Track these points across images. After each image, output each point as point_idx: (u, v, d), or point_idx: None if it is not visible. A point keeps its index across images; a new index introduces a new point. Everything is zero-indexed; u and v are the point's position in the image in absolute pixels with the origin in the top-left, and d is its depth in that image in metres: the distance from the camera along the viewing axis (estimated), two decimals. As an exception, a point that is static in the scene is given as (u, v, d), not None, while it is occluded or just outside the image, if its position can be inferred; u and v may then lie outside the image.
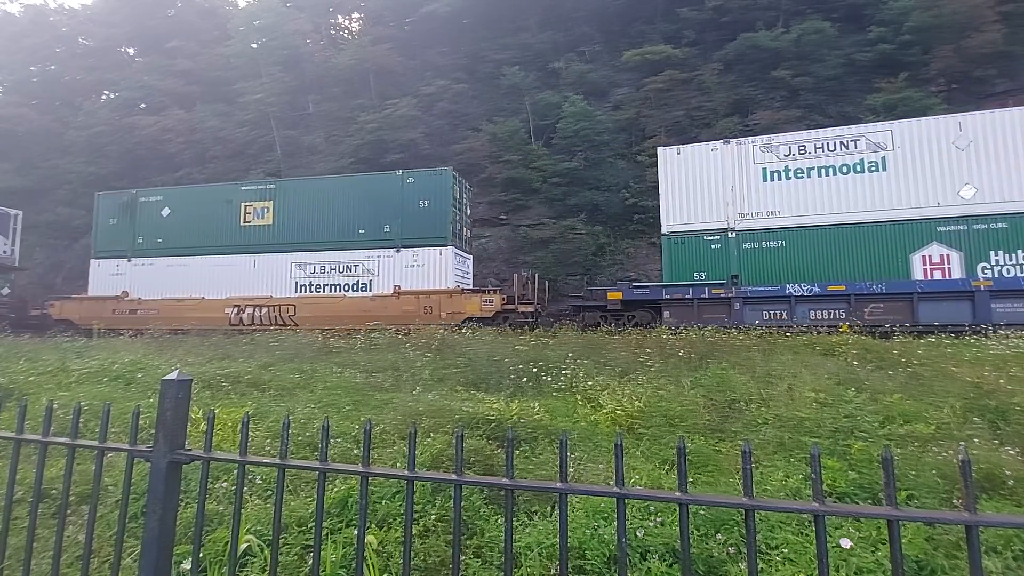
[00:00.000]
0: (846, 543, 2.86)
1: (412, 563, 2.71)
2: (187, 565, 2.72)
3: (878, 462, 3.89)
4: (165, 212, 18.49)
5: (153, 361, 8.84)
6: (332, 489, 3.55)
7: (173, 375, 1.72)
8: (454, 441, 1.52)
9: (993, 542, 2.99)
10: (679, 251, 14.92)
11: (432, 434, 4.60)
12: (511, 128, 25.87)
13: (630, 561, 2.89)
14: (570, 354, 8.25)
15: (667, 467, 4.40)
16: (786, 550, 2.97)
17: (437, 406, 5.40)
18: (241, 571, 2.89)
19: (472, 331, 11.49)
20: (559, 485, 1.40)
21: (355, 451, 4.63)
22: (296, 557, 3.05)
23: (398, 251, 16.36)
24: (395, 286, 16.14)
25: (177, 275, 17.85)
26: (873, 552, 2.87)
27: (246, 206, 17.75)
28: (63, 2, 44.53)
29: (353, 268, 16.60)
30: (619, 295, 14.86)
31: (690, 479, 4.02)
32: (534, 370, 7.53)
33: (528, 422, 5.12)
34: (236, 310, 16.88)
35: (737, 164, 14.60)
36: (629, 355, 8.54)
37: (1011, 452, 4.29)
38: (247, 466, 1.86)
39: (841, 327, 12.27)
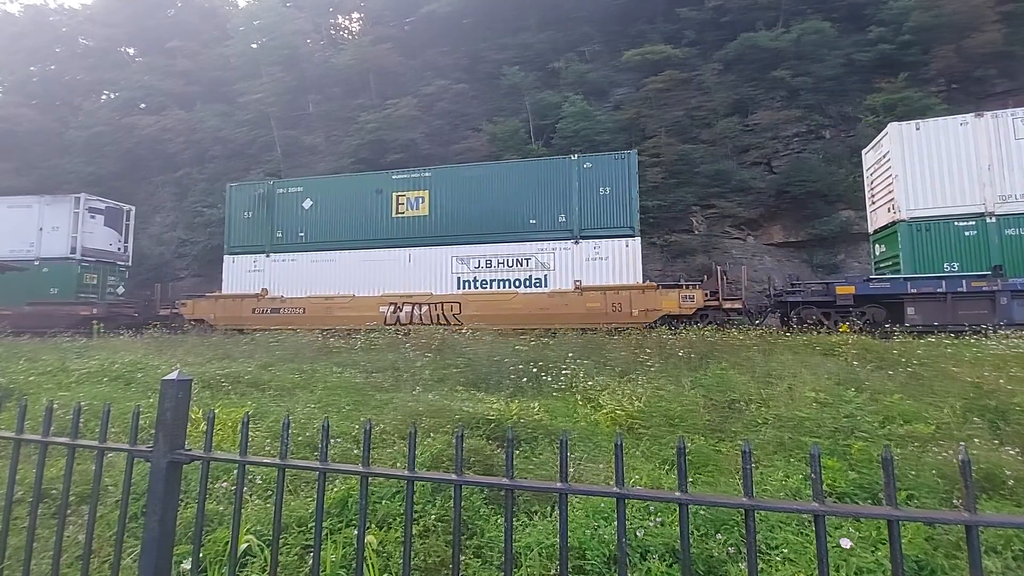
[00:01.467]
0: (846, 543, 2.86)
1: (412, 563, 2.71)
2: (187, 565, 2.72)
3: (878, 462, 3.90)
4: (307, 204, 17.33)
5: (153, 361, 8.84)
6: (332, 489, 3.55)
7: (173, 375, 1.72)
8: (454, 441, 1.52)
9: (993, 542, 2.99)
10: (923, 239, 13.05)
11: (432, 434, 4.60)
12: (511, 128, 25.87)
13: (630, 561, 2.89)
14: (570, 354, 8.25)
15: (667, 467, 4.40)
16: (786, 550, 2.97)
17: (437, 406, 5.40)
18: (241, 571, 2.89)
19: (472, 331, 11.48)
20: (559, 485, 1.40)
21: (355, 451, 4.63)
22: (296, 557, 3.05)
23: (576, 243, 14.93)
24: (575, 281, 14.71)
25: (322, 271, 16.65)
26: (873, 552, 2.87)
27: (398, 196, 16.46)
28: (63, 2, 44.58)
29: (524, 262, 15.20)
30: (851, 289, 13.22)
31: (690, 479, 4.03)
32: (534, 370, 7.54)
33: (528, 422, 5.12)
34: (392, 308, 15.69)
35: (994, 140, 12.87)
36: (629, 355, 8.55)
37: (1011, 452, 4.29)
38: (247, 466, 1.86)
39: (841, 327, 12.23)
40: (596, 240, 14.87)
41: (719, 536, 3.11)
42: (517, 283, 15.27)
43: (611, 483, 1.53)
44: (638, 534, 3.04)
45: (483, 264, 15.53)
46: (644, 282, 14.54)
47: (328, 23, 38.33)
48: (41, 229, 19.64)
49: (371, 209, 16.64)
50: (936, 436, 4.68)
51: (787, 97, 24.20)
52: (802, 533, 3.12)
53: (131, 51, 41.21)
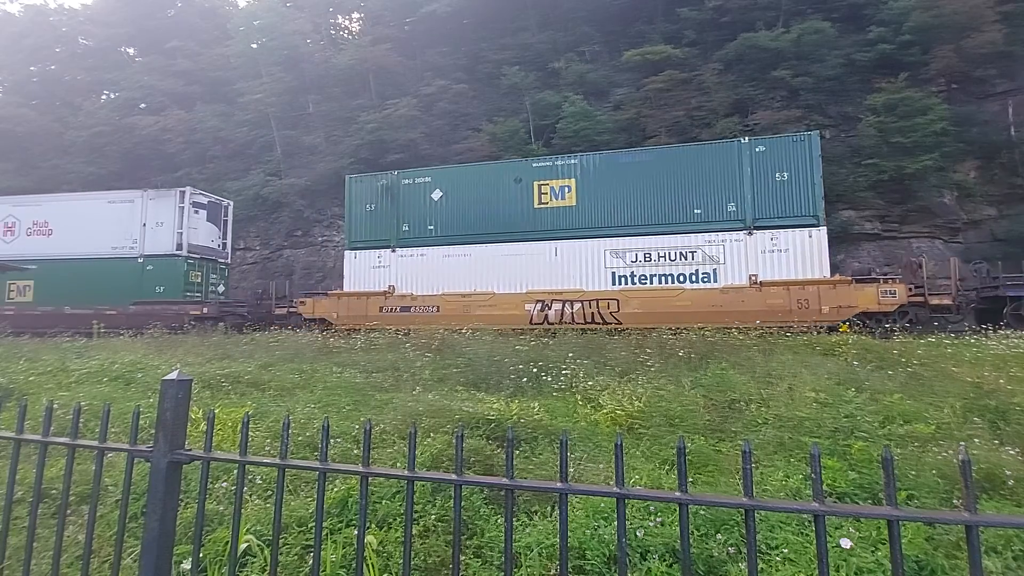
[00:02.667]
0: (846, 543, 2.86)
1: (412, 563, 2.71)
2: (187, 565, 2.72)
3: (878, 462, 3.90)
4: (436, 195, 16.21)
5: (153, 361, 8.84)
6: (332, 489, 3.55)
7: (173, 375, 1.72)
8: (454, 441, 1.52)
9: (993, 542, 2.99)
10: None
11: (432, 434, 4.60)
12: (511, 128, 25.87)
13: (630, 561, 2.89)
14: (570, 354, 8.26)
15: (667, 467, 4.40)
16: (786, 550, 2.97)
17: (437, 406, 5.40)
18: (241, 571, 2.89)
19: (471, 331, 11.48)
20: (559, 485, 1.40)
21: (355, 451, 4.63)
22: (296, 557, 3.05)
23: (750, 233, 13.64)
24: (751, 275, 13.48)
25: (456, 266, 15.57)
26: (873, 552, 2.87)
27: (540, 185, 15.28)
28: (63, 2, 44.54)
29: (690, 255, 13.95)
30: None
31: (690, 479, 4.03)
32: (534, 370, 7.54)
33: (528, 422, 5.12)
34: (539, 306, 14.62)
35: None
36: (629, 355, 8.55)
37: (1011, 452, 4.29)
38: (247, 466, 1.86)
39: (841, 327, 12.23)
40: (773, 231, 13.53)
41: (719, 536, 3.11)
42: (682, 278, 14.00)
43: (611, 483, 1.53)
44: (638, 534, 3.04)
45: (642, 258, 14.29)
46: (833, 276, 13.10)
47: (328, 23, 38.33)
48: (144, 225, 18.62)
49: (510, 199, 15.50)
50: (936, 436, 4.68)
51: (787, 97, 24.20)
52: (802, 533, 3.11)
53: (131, 51, 41.23)
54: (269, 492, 3.77)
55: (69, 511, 3.12)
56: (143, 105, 34.83)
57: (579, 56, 29.26)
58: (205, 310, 17.41)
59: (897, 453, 4.18)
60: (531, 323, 14.33)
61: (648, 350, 8.66)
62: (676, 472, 1.72)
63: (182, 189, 19.05)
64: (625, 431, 5.31)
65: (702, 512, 3.23)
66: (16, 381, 7.04)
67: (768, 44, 24.34)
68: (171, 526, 1.68)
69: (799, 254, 13.34)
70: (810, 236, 13.31)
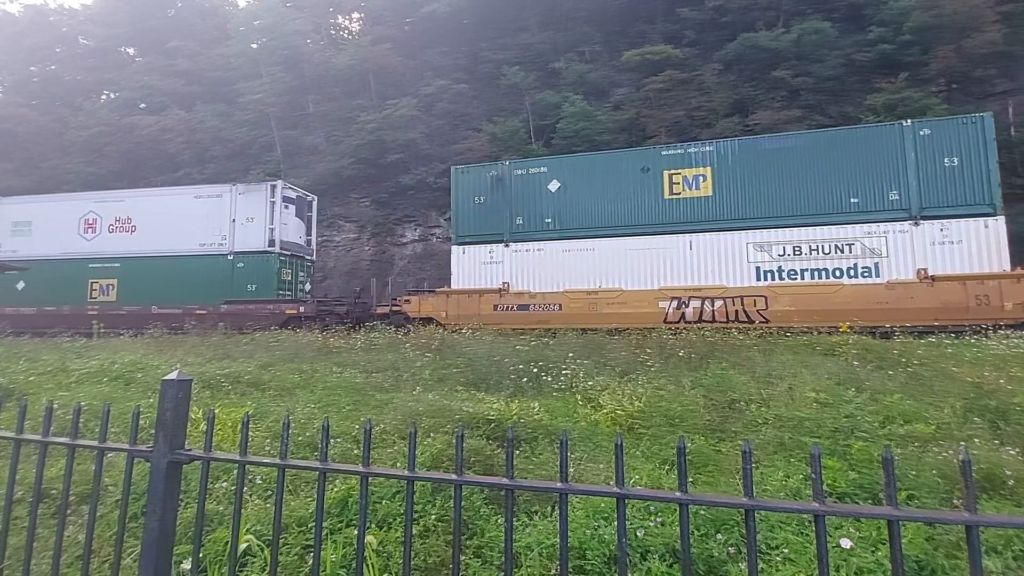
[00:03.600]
0: (846, 543, 2.86)
1: (412, 563, 2.71)
2: (187, 565, 2.72)
3: (878, 462, 3.90)
4: (553, 186, 15.28)
5: (153, 361, 8.84)
6: (332, 489, 3.55)
7: (173, 375, 1.72)
8: (454, 441, 1.52)
9: (993, 542, 2.99)
10: None
11: (432, 434, 4.60)
12: (511, 128, 25.87)
13: (630, 561, 2.89)
14: (570, 354, 8.26)
15: (667, 467, 4.40)
16: (786, 550, 2.97)
17: (437, 406, 5.40)
18: (241, 571, 2.89)
19: (472, 331, 11.48)
20: (559, 485, 1.40)
21: (355, 451, 4.63)
22: (296, 557, 3.05)
23: (916, 224, 12.63)
24: (919, 269, 12.47)
25: (578, 262, 14.70)
26: (873, 552, 2.87)
27: (671, 174, 14.32)
28: (63, 2, 44.60)
29: (847, 247, 12.92)
30: None
31: (690, 479, 4.03)
32: (534, 370, 7.54)
33: (528, 422, 5.12)
34: (675, 303, 13.74)
35: None
36: (629, 355, 8.55)
37: (1011, 452, 4.29)
38: (247, 466, 1.86)
39: (841, 327, 12.21)
40: (942, 220, 12.49)
41: (719, 536, 3.11)
42: (838, 272, 12.97)
43: (611, 483, 1.53)
44: (638, 534, 3.04)
45: (790, 251, 13.30)
46: (1014, 269, 12.01)
47: (328, 23, 38.34)
48: (234, 220, 17.72)
49: (637, 190, 14.56)
50: (936, 436, 4.68)
51: (787, 97, 24.20)
52: (802, 533, 3.11)
53: (131, 51, 41.24)
54: (269, 492, 3.77)
55: (69, 511, 3.12)
56: (143, 105, 34.83)
57: (579, 56, 29.26)
58: (302, 309, 16.59)
59: (897, 453, 4.18)
60: (665, 321, 13.42)
61: (648, 350, 8.66)
62: (676, 472, 1.72)
63: (273, 183, 18.19)
64: (625, 431, 5.31)
65: (702, 512, 3.23)
66: (16, 381, 7.04)
67: (768, 44, 24.34)
68: (171, 526, 1.68)
69: (973, 245, 12.25)
70: (986, 226, 12.25)
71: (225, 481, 3.80)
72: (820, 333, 10.55)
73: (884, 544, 2.89)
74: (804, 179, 13.54)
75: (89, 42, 40.09)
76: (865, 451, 4.26)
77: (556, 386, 7.08)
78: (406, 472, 1.53)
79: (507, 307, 14.93)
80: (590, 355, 8.52)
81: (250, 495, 3.72)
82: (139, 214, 18.53)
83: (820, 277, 13.15)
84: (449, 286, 15.98)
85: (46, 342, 12.77)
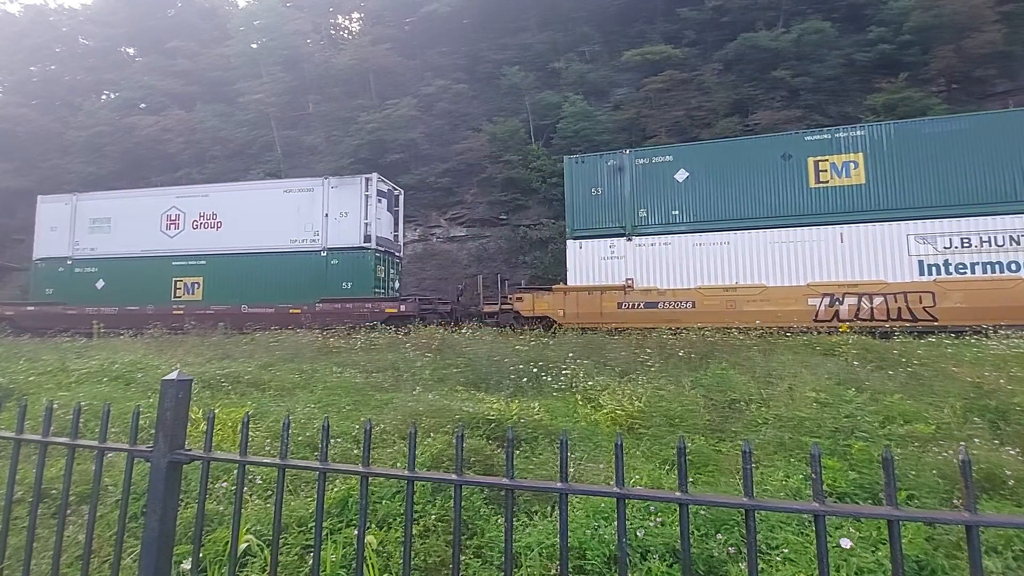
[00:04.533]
0: (846, 543, 2.86)
1: (412, 563, 2.71)
2: (187, 565, 2.72)
3: (878, 462, 3.90)
4: (681, 176, 14.39)
5: (153, 361, 8.84)
6: (332, 489, 3.55)
7: (173, 375, 1.72)
8: (454, 441, 1.52)
9: (993, 542, 2.99)
10: None
11: (432, 434, 4.60)
12: (511, 128, 25.87)
13: (630, 561, 2.89)
14: (570, 354, 8.26)
15: (667, 467, 4.40)
16: (786, 550, 2.97)
17: (437, 406, 5.41)
18: (241, 571, 2.89)
19: (472, 331, 11.48)
20: (559, 485, 1.40)
21: (355, 451, 4.63)
22: (296, 557, 3.05)
23: None
24: None
25: (712, 256, 13.86)
26: (873, 552, 2.87)
27: (816, 161, 13.39)
28: (63, 2, 44.62)
29: (1023, 239, 11.96)
30: None
31: (690, 479, 4.02)
32: (534, 370, 7.54)
33: (528, 422, 5.12)
34: (826, 300, 12.82)
35: None
36: (629, 355, 8.55)
37: (1011, 452, 4.29)
38: (247, 466, 1.86)
39: (841, 327, 12.20)
40: None
41: (719, 536, 3.11)
42: (1014, 266, 11.95)
43: (611, 483, 1.53)
44: (638, 534, 3.04)
45: (958, 244, 12.29)
46: None
47: (328, 23, 38.33)
48: (327, 215, 16.91)
49: (776, 179, 13.65)
50: (936, 436, 4.68)
51: (787, 97, 24.20)
52: (802, 533, 3.11)
53: (131, 51, 41.24)
54: (269, 492, 3.77)
55: (69, 511, 3.12)
56: (143, 105, 34.82)
57: (579, 56, 29.26)
58: (403, 308, 15.76)
59: (897, 453, 4.18)
60: (815, 319, 12.64)
61: (648, 350, 8.66)
62: (676, 472, 1.72)
63: (367, 176, 17.35)
64: (625, 431, 5.31)
65: (702, 512, 3.23)
66: (16, 381, 7.03)
67: (768, 44, 24.34)
68: (171, 526, 1.67)
69: None
70: None
71: (225, 481, 3.80)
72: (820, 333, 10.55)
73: (884, 544, 2.89)
74: (972, 165, 12.46)
75: (89, 42, 40.08)
76: (865, 451, 4.26)
77: (556, 386, 7.08)
78: (406, 472, 1.53)
79: (632, 305, 14.07)
80: (590, 355, 8.52)
81: (250, 495, 3.72)
82: (225, 210, 17.80)
83: (995, 271, 12.06)
84: (565, 282, 15.12)
85: (46, 342, 12.77)
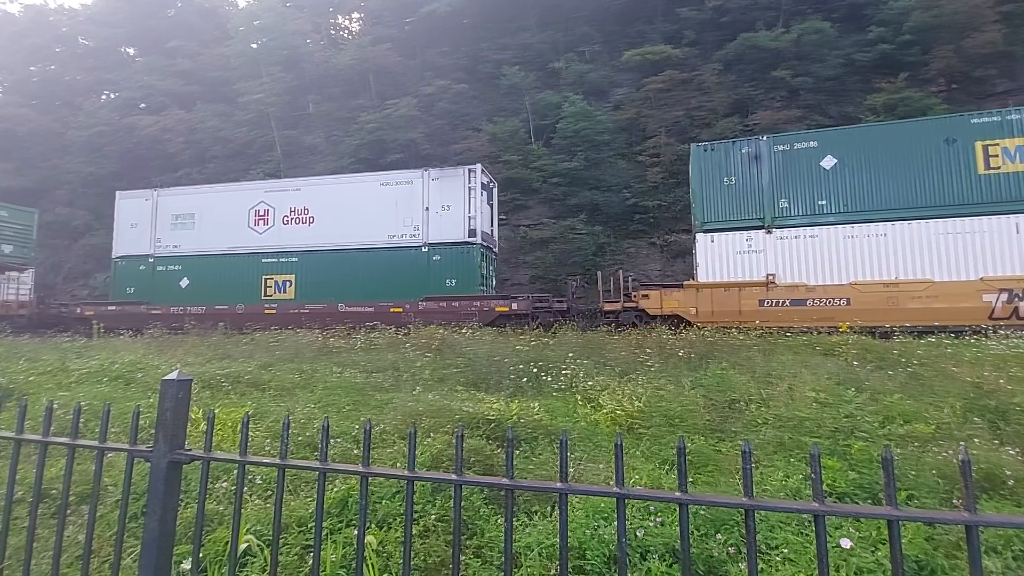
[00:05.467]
0: (846, 543, 2.86)
1: (412, 563, 2.71)
2: (187, 565, 2.72)
3: (878, 462, 3.90)
4: (828, 163, 13.36)
5: (153, 361, 8.84)
6: (332, 489, 3.55)
7: (173, 375, 1.72)
8: (454, 441, 1.52)
9: (993, 542, 2.99)
10: None
11: (432, 434, 4.60)
12: (511, 128, 25.87)
13: (630, 561, 2.89)
14: (570, 354, 8.26)
15: (667, 467, 4.40)
16: (786, 550, 2.97)
17: (437, 406, 5.40)
18: (241, 571, 2.89)
19: (472, 331, 11.47)
20: (559, 485, 1.40)
21: (355, 451, 4.63)
22: (296, 557, 3.05)
23: None
24: None
25: (865, 249, 12.83)
26: (873, 552, 2.87)
27: (986, 145, 12.36)
28: (63, 2, 44.65)
29: None
30: None
31: (690, 479, 4.03)
32: (534, 370, 7.54)
33: (528, 422, 5.12)
34: (1003, 296, 11.88)
35: None
36: (629, 355, 8.55)
37: (1011, 452, 4.29)
38: (247, 466, 1.86)
39: (841, 327, 12.19)
40: None
41: (719, 536, 3.11)
42: None
43: (611, 483, 1.53)
44: (638, 534, 3.04)
45: None
46: None
47: (328, 23, 38.34)
48: (427, 209, 16.04)
49: (939, 165, 12.66)
50: (936, 436, 4.68)
51: (787, 97, 24.21)
52: (802, 533, 3.12)
53: (131, 51, 41.24)
54: (269, 492, 3.77)
55: (69, 511, 3.12)
56: (143, 105, 34.82)
57: (579, 56, 29.26)
58: (514, 306, 14.82)
59: (897, 453, 4.18)
60: (991, 317, 11.71)
61: (648, 350, 8.66)
62: (676, 472, 1.72)
63: (471, 167, 16.35)
64: (625, 431, 5.31)
65: (702, 512, 3.23)
66: (16, 381, 7.03)
67: (768, 44, 24.35)
68: (171, 526, 1.68)
69: None
70: None
71: (225, 481, 3.80)
72: (819, 333, 10.55)
73: (884, 544, 2.89)
74: None
75: (89, 42, 40.08)
76: (865, 451, 4.26)
77: (556, 386, 7.08)
78: (406, 472, 1.53)
79: (776, 302, 13.12)
80: (590, 355, 8.52)
81: (250, 495, 3.72)
82: (317, 204, 17.03)
83: None
84: (693, 278, 14.24)
85: (46, 342, 12.77)
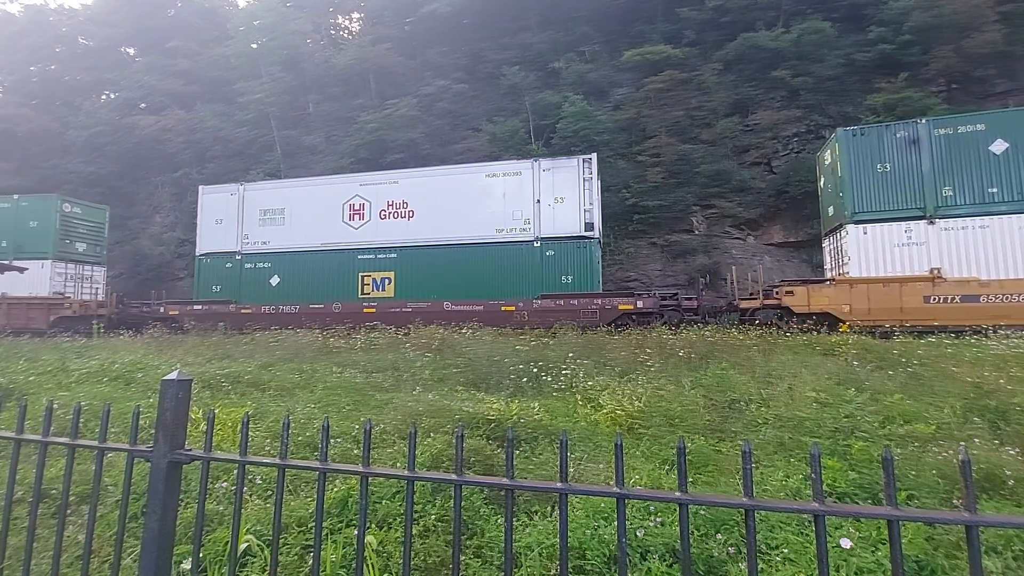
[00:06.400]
0: (846, 543, 2.86)
1: (412, 563, 2.71)
2: (187, 565, 2.72)
3: (878, 462, 3.90)
4: (999, 147, 12.38)
5: (153, 361, 8.84)
6: (332, 489, 3.55)
7: (173, 375, 1.72)
8: (454, 441, 1.52)
9: (993, 542, 2.99)
10: None
11: (432, 434, 4.60)
12: (511, 128, 25.87)
13: (630, 561, 2.89)
14: (570, 354, 8.26)
15: (667, 467, 4.40)
16: (786, 550, 2.97)
17: (437, 406, 5.40)
18: (241, 571, 2.89)
19: (472, 331, 11.47)
20: (559, 485, 1.40)
21: (355, 451, 4.63)
22: (296, 557, 3.05)
23: None
24: None
25: None
26: (873, 552, 2.87)
27: None
28: (63, 2, 44.65)
29: None
30: None
31: (690, 479, 4.03)
32: (534, 370, 7.54)
33: (528, 422, 5.12)
34: None
35: None
36: (629, 355, 8.55)
37: (1011, 452, 4.29)
38: (247, 466, 1.86)
39: (841, 327, 12.16)
40: None
41: (719, 536, 3.11)
42: None
43: (611, 483, 1.53)
44: (638, 534, 3.04)
45: None
46: None
47: (328, 23, 38.33)
48: (539, 201, 15.15)
49: None
50: (936, 436, 4.68)
51: (787, 97, 24.20)
52: (802, 533, 3.12)
53: (131, 51, 41.24)
54: (269, 492, 3.77)
55: (69, 511, 3.12)
56: (143, 105, 34.83)
57: (579, 56, 29.25)
58: (639, 304, 13.94)
59: (897, 453, 4.18)
60: None
61: (648, 350, 8.66)
62: (676, 472, 1.72)
63: (585, 157, 15.43)
64: (625, 431, 5.31)
65: (702, 512, 3.23)
66: (16, 381, 7.04)
67: (768, 44, 24.34)
68: (171, 526, 1.67)
69: None
70: None
71: (225, 481, 3.80)
72: (820, 333, 10.54)
73: (884, 544, 2.89)
74: None
75: (89, 42, 40.09)
76: (865, 451, 4.27)
77: (556, 386, 7.08)
78: (406, 472, 1.53)
79: (945, 299, 12.13)
80: (590, 355, 8.52)
81: (250, 495, 3.72)
82: (417, 197, 16.23)
83: None
84: (837, 273, 13.31)
85: (46, 342, 12.76)
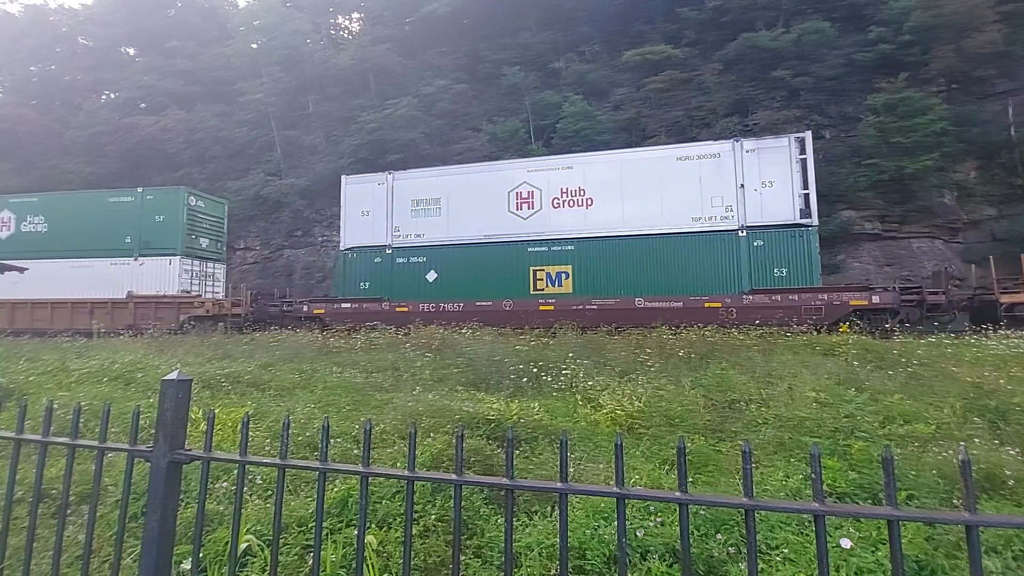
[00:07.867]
0: (846, 543, 2.86)
1: (412, 563, 2.71)
2: (187, 565, 2.72)
3: (878, 462, 3.90)
4: None
5: (153, 361, 8.84)
6: (332, 489, 3.55)
7: (173, 375, 1.72)
8: (454, 441, 1.52)
9: (993, 542, 2.99)
10: None
11: (432, 434, 4.60)
12: (511, 128, 25.87)
13: (630, 561, 2.89)
14: (570, 354, 8.25)
15: (667, 467, 4.40)
16: (786, 550, 2.97)
17: (437, 406, 5.40)
18: (241, 571, 2.89)
19: (472, 331, 11.47)
20: (559, 485, 1.40)
21: (355, 451, 4.63)
22: (296, 557, 3.05)
23: None
24: None
25: None
26: (873, 552, 2.87)
27: None
28: (63, 2, 44.66)
29: None
30: None
31: (690, 479, 4.03)
32: (534, 370, 7.54)
33: (528, 422, 5.12)
34: None
35: None
36: (629, 355, 8.54)
37: (1011, 452, 4.29)
38: (247, 466, 1.86)
39: (841, 327, 12.14)
40: None
41: (719, 536, 3.11)
42: None
43: (611, 483, 1.53)
44: (638, 534, 3.04)
45: None
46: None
47: (328, 23, 38.34)
48: (742, 186, 13.75)
49: None
50: (936, 436, 4.68)
51: (787, 97, 24.20)
52: (802, 533, 3.11)
53: (131, 51, 41.26)
54: (269, 492, 3.77)
55: (69, 511, 3.12)
56: (143, 105, 34.84)
57: (579, 56, 29.26)
58: (876, 299, 12.52)
59: (897, 453, 4.18)
60: None
61: (648, 350, 8.66)
62: (676, 472, 1.72)
63: (798, 135, 14.01)
64: (625, 431, 5.31)
65: (702, 512, 3.23)
66: (16, 381, 7.03)
67: (768, 44, 24.34)
68: (171, 526, 1.67)
69: None
70: None
71: (225, 481, 3.80)
72: (820, 333, 10.54)
73: (884, 544, 2.89)
74: None
75: (89, 42, 40.10)
76: (865, 451, 4.26)
77: (556, 386, 7.08)
78: (406, 472, 1.53)
79: None
80: (590, 355, 8.52)
81: (250, 495, 3.72)
82: (596, 184, 14.90)
83: None
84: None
85: (47, 342, 12.76)
